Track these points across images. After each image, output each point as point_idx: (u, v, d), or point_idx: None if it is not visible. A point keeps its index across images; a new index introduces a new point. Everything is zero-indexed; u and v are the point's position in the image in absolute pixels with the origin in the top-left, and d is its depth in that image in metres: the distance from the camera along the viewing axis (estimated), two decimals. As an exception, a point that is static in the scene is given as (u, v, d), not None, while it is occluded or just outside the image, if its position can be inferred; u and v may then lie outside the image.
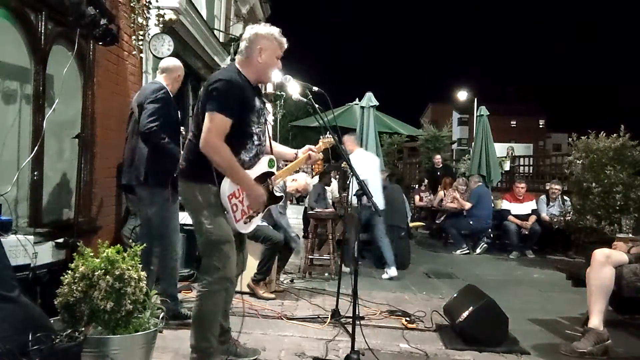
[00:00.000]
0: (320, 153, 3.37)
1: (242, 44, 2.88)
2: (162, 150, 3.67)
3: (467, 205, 8.46)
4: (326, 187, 7.71)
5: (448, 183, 9.96)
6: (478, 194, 8.53)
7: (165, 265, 3.81)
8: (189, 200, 2.84)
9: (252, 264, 4.86)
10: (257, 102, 2.89)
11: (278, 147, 3.23)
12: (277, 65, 2.93)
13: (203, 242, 2.80)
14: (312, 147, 3.29)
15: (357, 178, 3.11)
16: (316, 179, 8.32)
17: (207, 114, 2.66)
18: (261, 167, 2.94)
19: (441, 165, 11.43)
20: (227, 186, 2.71)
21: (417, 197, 11.18)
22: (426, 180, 11.50)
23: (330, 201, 7.72)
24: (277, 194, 3.12)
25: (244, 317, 3.04)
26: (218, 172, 2.70)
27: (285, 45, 2.93)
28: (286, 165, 3.40)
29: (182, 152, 3.77)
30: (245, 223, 2.84)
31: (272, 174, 3.02)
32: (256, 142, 2.89)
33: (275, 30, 2.89)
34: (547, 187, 8.81)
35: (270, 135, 3.09)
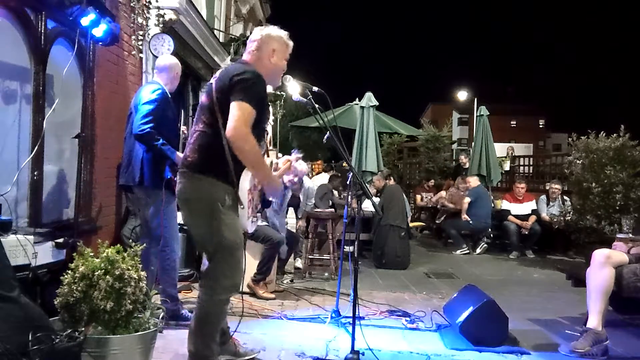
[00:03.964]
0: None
1: (253, 45, 2.83)
2: (156, 152, 3.67)
3: (466, 201, 8.44)
4: (333, 191, 7.65)
5: (451, 184, 9.93)
6: (477, 193, 8.53)
7: (164, 265, 3.81)
8: (199, 198, 2.67)
9: (252, 264, 4.87)
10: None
11: None
12: (284, 68, 2.93)
13: (215, 247, 2.67)
14: (289, 157, 3.26)
15: (357, 178, 3.11)
16: (322, 177, 8.21)
17: (234, 103, 2.57)
18: None
19: (467, 166, 11.32)
20: (248, 180, 2.67)
21: (418, 197, 11.14)
22: (432, 182, 11.42)
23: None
24: (269, 199, 3.11)
25: (242, 317, 3.03)
26: (235, 170, 2.64)
27: (291, 49, 2.94)
28: None
29: (178, 152, 3.78)
30: (252, 222, 2.84)
31: None
32: (265, 142, 2.90)
33: (284, 34, 2.89)
34: (547, 187, 8.80)
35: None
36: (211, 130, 2.68)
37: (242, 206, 2.68)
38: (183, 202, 2.78)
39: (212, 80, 2.78)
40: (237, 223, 2.71)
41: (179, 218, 4.07)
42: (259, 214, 2.90)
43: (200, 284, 2.87)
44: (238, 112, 2.55)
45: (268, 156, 3.08)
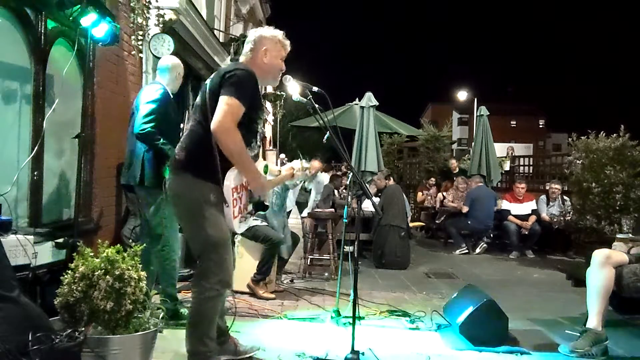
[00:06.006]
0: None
1: (247, 46, 2.89)
2: (157, 151, 3.67)
3: (465, 208, 8.46)
4: (334, 191, 7.65)
5: (450, 186, 9.92)
6: (471, 196, 8.52)
7: (164, 265, 3.81)
8: (184, 195, 2.71)
9: (252, 264, 4.87)
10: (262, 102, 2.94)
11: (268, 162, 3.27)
12: (282, 67, 2.95)
13: (200, 244, 2.71)
14: (294, 166, 3.35)
15: (357, 178, 3.11)
16: (324, 176, 8.20)
17: (223, 97, 2.60)
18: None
19: (457, 170, 11.29)
20: (232, 178, 2.67)
21: (419, 193, 11.11)
22: (433, 180, 11.41)
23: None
24: (266, 203, 3.12)
25: (235, 315, 3.03)
26: (222, 168, 2.64)
27: (289, 48, 2.97)
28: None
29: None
30: (240, 222, 2.82)
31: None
32: (258, 143, 2.90)
33: (279, 33, 2.92)
34: (547, 187, 8.80)
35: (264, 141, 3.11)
36: (200, 127, 2.72)
37: (226, 204, 2.67)
38: (171, 198, 2.83)
39: (207, 81, 2.81)
40: (221, 221, 2.70)
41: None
42: (249, 215, 2.88)
43: (192, 283, 2.89)
44: (225, 107, 2.58)
45: (265, 159, 3.10)
